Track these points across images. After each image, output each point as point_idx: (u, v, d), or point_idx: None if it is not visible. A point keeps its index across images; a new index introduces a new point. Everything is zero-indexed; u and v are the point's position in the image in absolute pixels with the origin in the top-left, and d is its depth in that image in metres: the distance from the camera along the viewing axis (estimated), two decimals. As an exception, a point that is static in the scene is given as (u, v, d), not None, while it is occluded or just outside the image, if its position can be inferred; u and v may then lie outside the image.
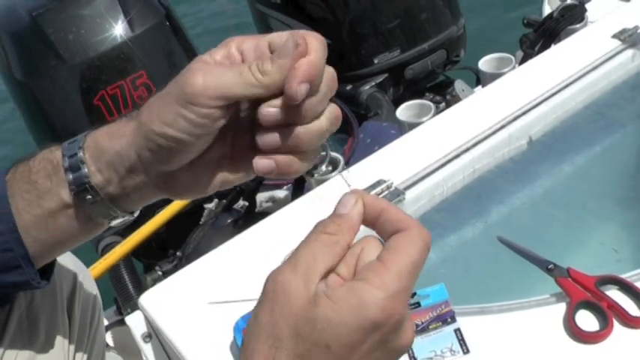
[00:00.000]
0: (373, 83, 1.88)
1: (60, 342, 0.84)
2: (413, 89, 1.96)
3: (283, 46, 0.54)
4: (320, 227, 0.51)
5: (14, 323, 0.78)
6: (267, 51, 0.57)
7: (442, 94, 1.96)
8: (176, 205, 1.55)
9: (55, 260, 0.73)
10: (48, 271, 0.71)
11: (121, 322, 1.49)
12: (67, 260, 0.91)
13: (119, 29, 1.56)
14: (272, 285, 0.49)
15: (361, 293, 0.46)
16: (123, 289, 1.51)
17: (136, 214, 0.68)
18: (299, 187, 1.53)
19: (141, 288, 1.53)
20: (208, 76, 0.55)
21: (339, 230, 0.50)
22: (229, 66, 0.57)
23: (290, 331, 0.47)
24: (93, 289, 0.97)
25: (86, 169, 0.61)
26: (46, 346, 0.81)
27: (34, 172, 0.64)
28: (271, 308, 0.48)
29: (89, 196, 0.62)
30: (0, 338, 0.76)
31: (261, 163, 0.56)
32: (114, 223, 0.67)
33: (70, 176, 0.62)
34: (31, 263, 0.65)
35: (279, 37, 0.57)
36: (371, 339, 0.47)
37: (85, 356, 0.89)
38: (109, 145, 0.61)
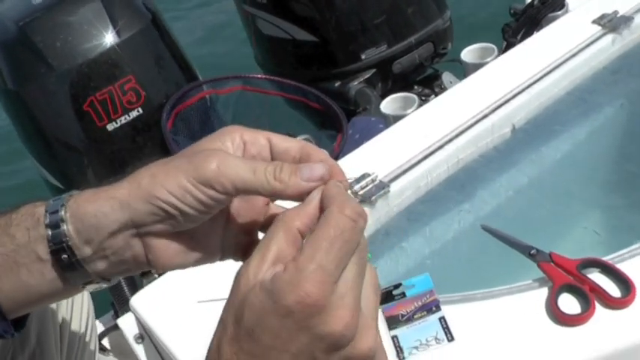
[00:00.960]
0: (362, 79, 1.88)
1: (51, 346, 0.85)
2: (401, 83, 1.96)
3: (310, 166, 0.55)
4: (281, 214, 0.52)
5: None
6: (266, 146, 0.59)
7: (430, 87, 1.96)
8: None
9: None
10: (21, 320, 0.69)
11: (118, 326, 1.50)
12: None
13: (106, 35, 1.57)
14: (237, 273, 0.50)
15: (276, 279, 0.47)
16: (119, 293, 1.52)
17: (114, 281, 0.65)
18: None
19: (137, 291, 1.54)
20: (223, 164, 0.55)
21: (296, 216, 0.51)
22: (244, 159, 0.57)
23: (231, 317, 0.49)
24: (84, 292, 0.98)
25: (65, 227, 0.59)
26: (38, 351, 0.82)
27: (14, 224, 0.61)
28: (229, 295, 0.50)
29: (64, 256, 0.60)
30: None
31: None
32: (88, 288, 0.64)
33: (49, 232, 0.60)
34: (5, 318, 0.64)
35: (280, 140, 0.59)
36: (288, 324, 0.47)
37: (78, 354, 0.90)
38: (93, 207, 0.59)
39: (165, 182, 0.56)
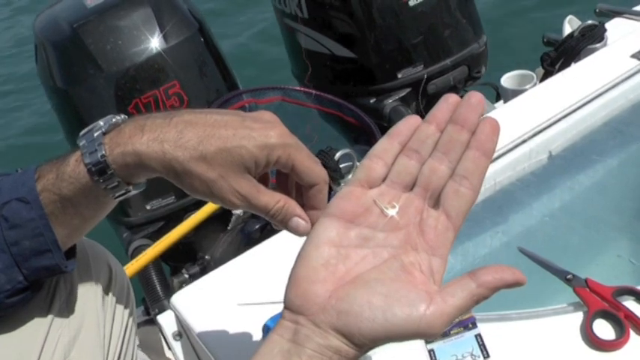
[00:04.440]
0: (397, 97, 1.91)
1: (97, 330, 0.88)
2: (435, 104, 1.98)
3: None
4: None
5: (56, 311, 0.82)
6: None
7: (463, 109, 1.99)
8: (205, 211, 1.60)
9: (75, 249, 0.78)
10: (70, 258, 0.76)
11: (148, 322, 1.53)
12: (102, 254, 0.95)
13: (154, 41, 1.62)
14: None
15: None
16: (151, 290, 1.56)
17: (141, 187, 0.72)
18: (327, 194, 1.57)
19: (169, 290, 1.58)
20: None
21: None
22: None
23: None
24: (126, 281, 1.01)
25: (100, 133, 0.67)
26: (85, 334, 0.86)
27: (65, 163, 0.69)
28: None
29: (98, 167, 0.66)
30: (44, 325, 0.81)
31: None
32: (119, 195, 0.70)
33: (84, 141, 0.67)
34: (59, 247, 0.70)
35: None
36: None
37: (120, 344, 0.93)
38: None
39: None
